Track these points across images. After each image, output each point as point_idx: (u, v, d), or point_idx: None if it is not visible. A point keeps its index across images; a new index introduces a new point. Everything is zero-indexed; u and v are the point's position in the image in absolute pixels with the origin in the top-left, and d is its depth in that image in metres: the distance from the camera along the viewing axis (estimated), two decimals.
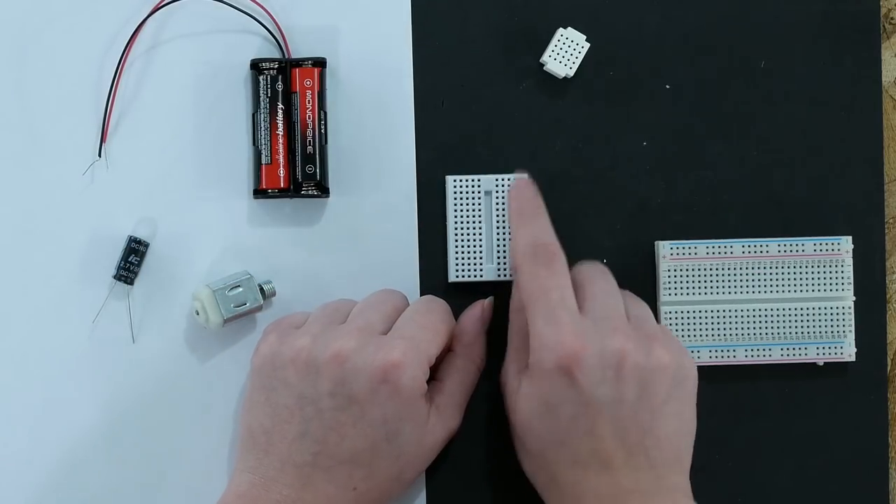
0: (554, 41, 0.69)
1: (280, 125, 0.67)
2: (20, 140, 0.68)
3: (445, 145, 0.69)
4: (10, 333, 0.68)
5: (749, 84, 0.70)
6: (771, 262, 0.68)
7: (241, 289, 0.67)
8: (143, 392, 0.68)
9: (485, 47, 0.69)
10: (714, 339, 0.68)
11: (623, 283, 0.68)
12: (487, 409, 0.67)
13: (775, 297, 0.68)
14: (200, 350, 0.68)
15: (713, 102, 0.70)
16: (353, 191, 0.69)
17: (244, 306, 0.67)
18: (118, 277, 0.67)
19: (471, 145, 0.69)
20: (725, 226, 0.70)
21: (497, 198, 0.68)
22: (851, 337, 0.69)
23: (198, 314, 0.67)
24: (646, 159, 0.70)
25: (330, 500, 0.62)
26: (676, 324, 0.68)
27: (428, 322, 0.64)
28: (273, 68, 0.67)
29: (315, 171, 0.67)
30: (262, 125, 0.67)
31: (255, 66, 0.67)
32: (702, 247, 0.68)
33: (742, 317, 0.68)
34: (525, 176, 0.68)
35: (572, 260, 0.68)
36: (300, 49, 0.68)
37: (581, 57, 0.69)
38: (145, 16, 0.68)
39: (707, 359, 0.68)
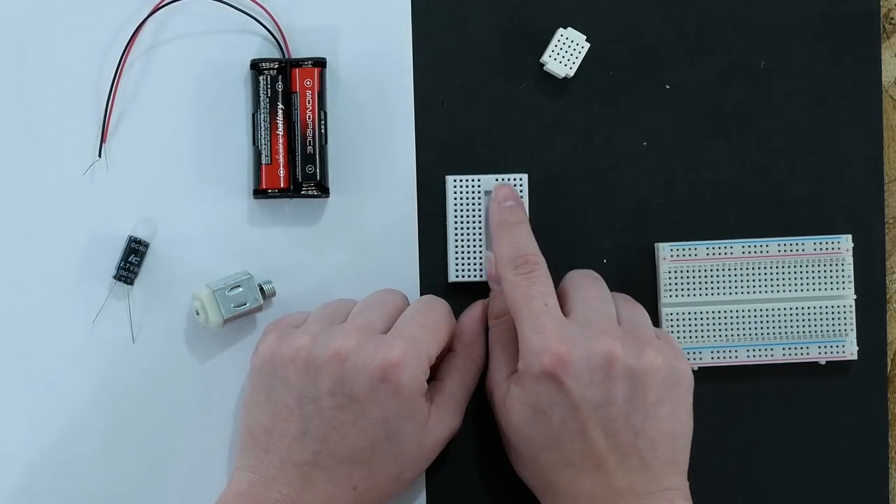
0: (554, 41, 0.69)
1: (280, 125, 0.67)
2: (20, 140, 0.68)
3: (445, 145, 0.69)
4: (10, 333, 0.68)
5: (749, 84, 0.70)
6: (771, 261, 0.68)
7: (241, 289, 0.67)
8: (143, 392, 0.68)
9: (485, 47, 0.69)
10: (716, 340, 0.68)
11: (623, 283, 0.68)
12: (487, 409, 0.67)
13: (776, 296, 0.68)
14: (200, 350, 0.68)
15: (713, 102, 0.70)
16: (353, 191, 0.69)
17: (244, 306, 0.67)
18: (118, 277, 0.67)
19: (471, 145, 0.69)
20: (725, 226, 0.70)
21: None
22: (853, 336, 0.69)
23: (198, 314, 0.67)
24: (646, 159, 0.70)
25: (330, 500, 0.62)
26: (678, 325, 0.68)
27: (428, 321, 0.64)
28: (273, 68, 0.67)
29: (315, 171, 0.67)
30: (262, 125, 0.67)
31: (255, 66, 0.67)
32: (702, 248, 0.68)
33: (743, 317, 0.68)
34: (505, 180, 0.68)
35: (572, 260, 0.69)
36: (300, 49, 0.68)
37: (581, 57, 0.69)
38: (145, 16, 0.68)
39: (709, 360, 0.68)
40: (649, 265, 0.69)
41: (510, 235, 0.66)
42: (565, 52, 0.69)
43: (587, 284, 0.66)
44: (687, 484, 0.64)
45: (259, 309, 0.67)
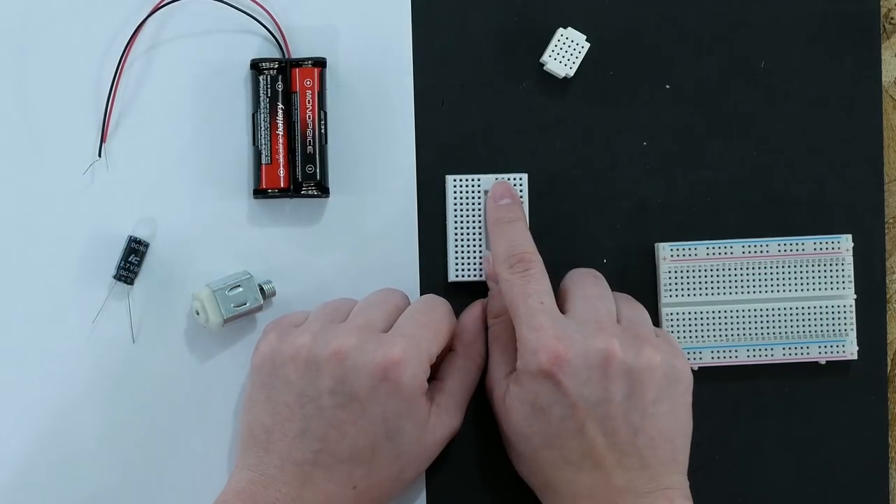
0: (554, 41, 0.69)
1: (280, 125, 0.67)
2: (20, 140, 0.68)
3: (445, 145, 0.69)
4: (10, 333, 0.68)
5: (749, 84, 0.70)
6: (771, 261, 0.68)
7: (241, 289, 0.67)
8: (143, 392, 0.68)
9: (485, 47, 0.69)
10: (716, 340, 0.68)
11: (623, 283, 0.68)
12: (487, 409, 0.67)
13: (776, 296, 0.68)
14: (200, 350, 0.68)
15: (713, 102, 0.70)
16: (353, 191, 0.69)
17: (244, 306, 0.67)
18: (118, 277, 0.67)
19: (471, 145, 0.69)
20: (725, 226, 0.70)
21: None
22: (853, 335, 0.69)
23: (198, 314, 0.67)
24: (646, 159, 0.70)
25: (329, 499, 0.62)
26: (678, 325, 0.68)
27: (429, 321, 0.64)
28: (273, 68, 0.67)
29: (315, 171, 0.67)
30: (262, 125, 0.67)
31: (255, 66, 0.67)
32: (702, 248, 0.68)
33: (743, 317, 0.68)
34: (505, 180, 0.68)
35: (572, 260, 0.69)
36: (300, 49, 0.68)
37: (581, 57, 0.69)
38: (145, 16, 0.68)
39: (709, 360, 0.68)
40: (649, 265, 0.69)
41: (506, 234, 0.66)
42: (565, 52, 0.69)
43: (588, 283, 0.66)
44: (687, 483, 0.64)
45: (259, 309, 0.67)
